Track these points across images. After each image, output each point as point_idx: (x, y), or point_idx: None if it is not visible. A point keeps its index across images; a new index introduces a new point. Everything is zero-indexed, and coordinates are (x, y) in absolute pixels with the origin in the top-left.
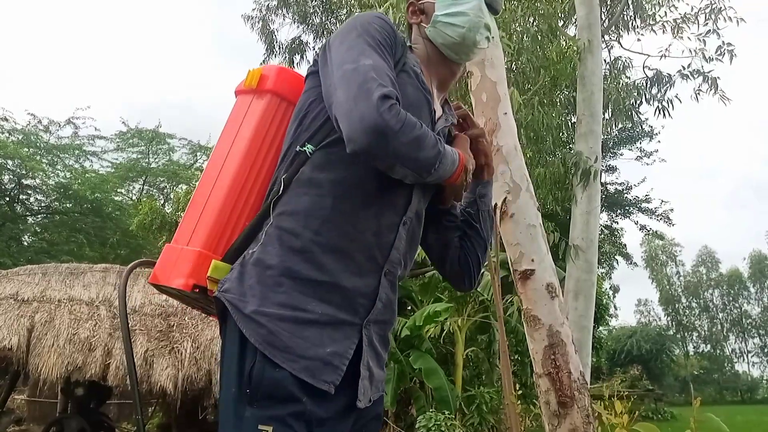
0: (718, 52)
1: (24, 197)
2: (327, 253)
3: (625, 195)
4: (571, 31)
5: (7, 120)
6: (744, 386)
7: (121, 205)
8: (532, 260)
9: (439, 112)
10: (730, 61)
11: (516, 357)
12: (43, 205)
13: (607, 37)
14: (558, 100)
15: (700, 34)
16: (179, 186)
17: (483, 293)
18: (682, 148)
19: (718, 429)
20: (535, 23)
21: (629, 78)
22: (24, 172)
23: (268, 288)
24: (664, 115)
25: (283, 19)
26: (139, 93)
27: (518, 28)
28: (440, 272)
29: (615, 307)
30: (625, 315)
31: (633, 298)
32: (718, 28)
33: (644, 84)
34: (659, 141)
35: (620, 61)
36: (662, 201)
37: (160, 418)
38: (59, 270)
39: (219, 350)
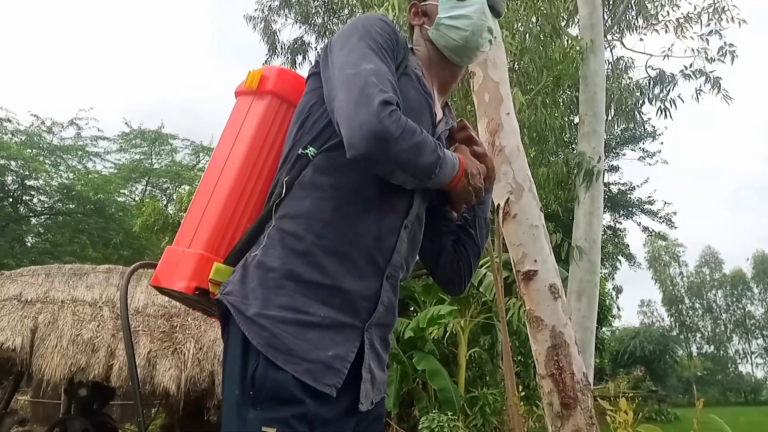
0: (720, 53)
1: (27, 198)
2: (329, 256)
3: (628, 196)
4: (574, 31)
5: (10, 121)
6: (747, 387)
7: (124, 205)
8: (535, 261)
9: (439, 115)
10: (732, 62)
11: (519, 358)
12: (46, 206)
13: (609, 37)
14: (561, 100)
15: (703, 34)
16: (182, 187)
17: (486, 294)
18: (684, 148)
19: (722, 430)
20: (537, 23)
21: (631, 78)
22: (27, 173)
23: (270, 290)
24: (666, 115)
25: (285, 20)
26: (142, 94)
27: (521, 28)
28: (431, 275)
29: (618, 307)
30: (628, 316)
31: (636, 299)
32: (722, 28)
33: (647, 84)
34: (662, 142)
35: (623, 61)
36: (665, 203)
37: (163, 419)
38: (62, 271)
39: (221, 351)
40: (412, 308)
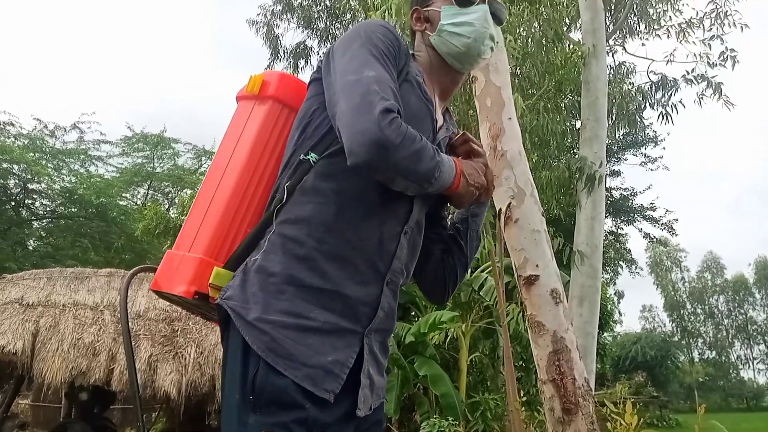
0: (722, 58)
1: (29, 202)
2: (330, 261)
3: (631, 202)
4: (576, 36)
5: (13, 125)
6: (750, 393)
7: (126, 209)
8: (537, 266)
9: (440, 121)
10: (733, 67)
11: (521, 363)
12: (48, 209)
13: (611, 42)
14: (563, 105)
15: (705, 39)
16: (184, 190)
17: (487, 299)
18: (685, 152)
19: None
20: (540, 28)
21: (633, 84)
22: (29, 176)
23: (270, 295)
24: (668, 120)
25: (288, 24)
26: (144, 98)
27: (523, 33)
28: (416, 281)
29: (620, 313)
30: (629, 321)
31: (638, 304)
32: (724, 32)
33: (649, 89)
34: (664, 147)
35: (625, 66)
36: (667, 210)
37: (163, 423)
38: (64, 274)
39: (222, 356)
40: (413, 313)
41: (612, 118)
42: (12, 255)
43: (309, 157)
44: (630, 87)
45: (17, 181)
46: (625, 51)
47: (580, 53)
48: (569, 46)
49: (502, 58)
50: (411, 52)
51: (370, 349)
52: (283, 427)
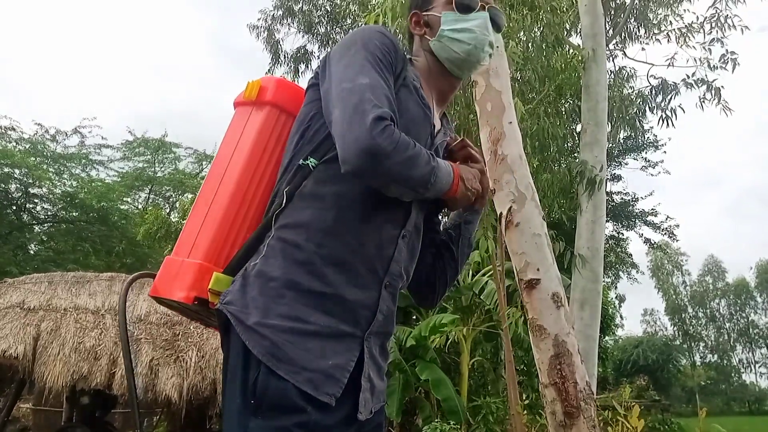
0: (722, 61)
1: (31, 206)
2: (329, 266)
3: (631, 207)
4: (576, 40)
5: (14, 129)
6: (751, 397)
7: (127, 213)
8: (538, 269)
9: (438, 125)
10: (733, 70)
11: (522, 367)
12: (49, 213)
13: (611, 47)
14: (563, 109)
15: (705, 43)
16: (185, 195)
17: (488, 302)
18: (685, 155)
19: None
20: (540, 33)
21: (633, 88)
22: (31, 181)
23: (270, 299)
24: (668, 124)
25: (289, 29)
26: (145, 102)
27: (523, 38)
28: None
29: (621, 316)
30: (631, 325)
31: (639, 308)
32: (724, 36)
33: (649, 93)
34: (664, 151)
35: (625, 71)
36: (667, 216)
37: (164, 427)
38: (65, 278)
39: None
40: (414, 317)
41: (612, 122)
42: (13, 259)
43: (308, 162)
44: (630, 91)
45: (18, 186)
46: (626, 56)
47: (580, 57)
48: (569, 50)
49: (503, 63)
50: (408, 56)
51: (370, 353)
52: (284, 430)
